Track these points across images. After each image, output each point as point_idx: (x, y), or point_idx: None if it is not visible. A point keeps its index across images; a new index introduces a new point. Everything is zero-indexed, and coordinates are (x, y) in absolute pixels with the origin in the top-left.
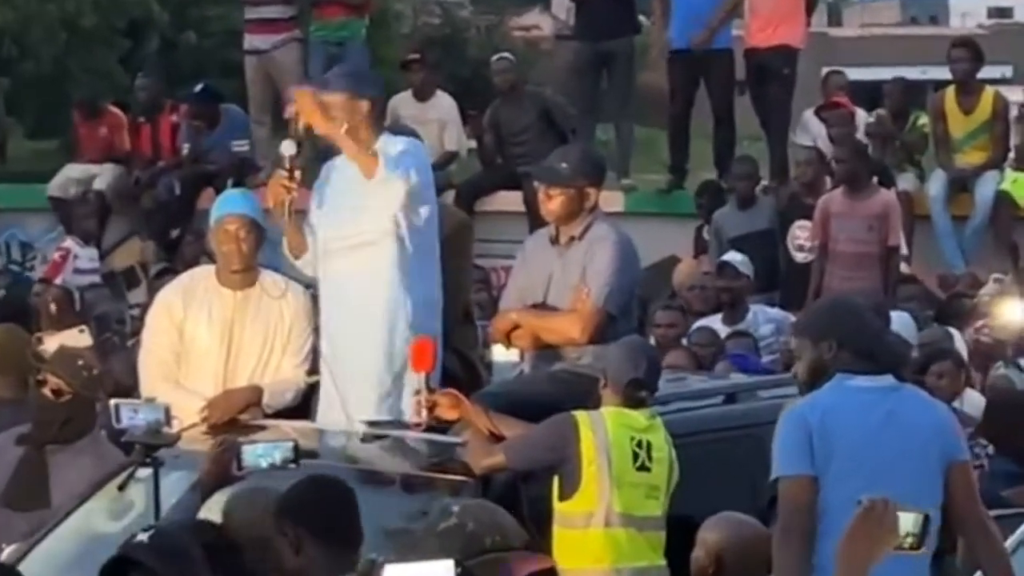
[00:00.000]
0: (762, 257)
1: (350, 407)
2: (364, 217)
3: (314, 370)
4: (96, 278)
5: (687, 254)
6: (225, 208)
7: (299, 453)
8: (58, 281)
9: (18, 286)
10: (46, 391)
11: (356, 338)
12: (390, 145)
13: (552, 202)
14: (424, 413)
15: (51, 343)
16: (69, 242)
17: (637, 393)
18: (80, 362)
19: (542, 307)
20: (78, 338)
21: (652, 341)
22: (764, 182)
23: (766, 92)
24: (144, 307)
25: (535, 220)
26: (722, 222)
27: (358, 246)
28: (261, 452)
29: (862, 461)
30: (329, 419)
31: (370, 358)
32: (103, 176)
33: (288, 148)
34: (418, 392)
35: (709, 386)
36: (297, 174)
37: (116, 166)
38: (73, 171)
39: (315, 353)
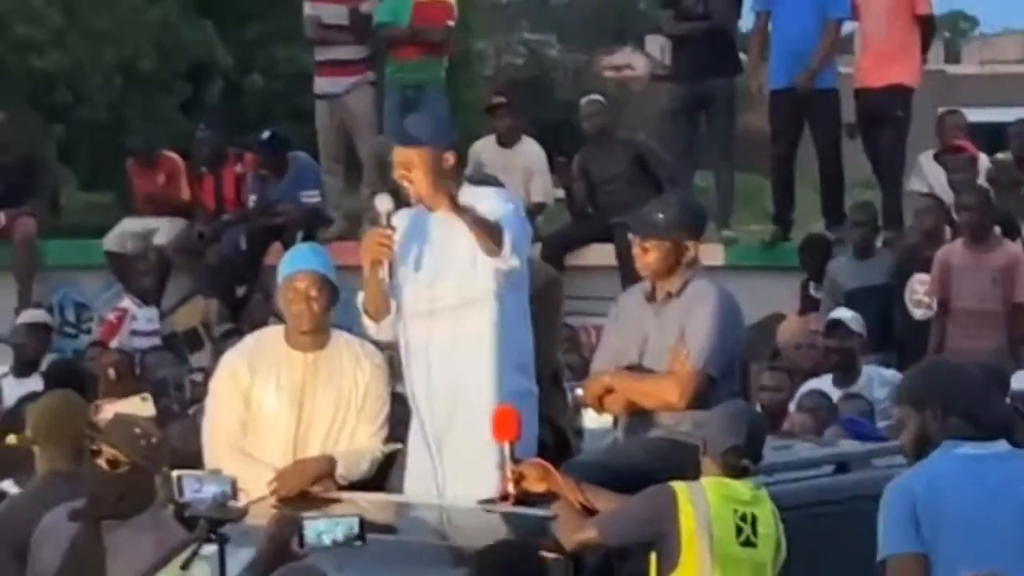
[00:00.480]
0: (878, 313)
1: (446, 480)
2: (463, 277)
3: (392, 438)
4: (156, 340)
5: (792, 311)
6: (294, 264)
7: (365, 529)
8: (114, 344)
9: (71, 353)
10: (100, 462)
11: (453, 406)
12: (480, 199)
13: (648, 255)
14: (510, 486)
15: (110, 412)
16: (127, 302)
17: (738, 462)
18: (137, 430)
19: (637, 369)
20: (140, 406)
21: (756, 405)
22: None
23: (878, 135)
24: (208, 371)
25: (628, 275)
26: (837, 273)
27: (456, 307)
28: (324, 528)
29: (973, 533)
30: (419, 491)
31: (472, 428)
32: (163, 230)
33: (385, 203)
34: (503, 463)
35: (819, 454)
36: (395, 231)
37: (177, 219)
38: (131, 225)
39: (391, 420)
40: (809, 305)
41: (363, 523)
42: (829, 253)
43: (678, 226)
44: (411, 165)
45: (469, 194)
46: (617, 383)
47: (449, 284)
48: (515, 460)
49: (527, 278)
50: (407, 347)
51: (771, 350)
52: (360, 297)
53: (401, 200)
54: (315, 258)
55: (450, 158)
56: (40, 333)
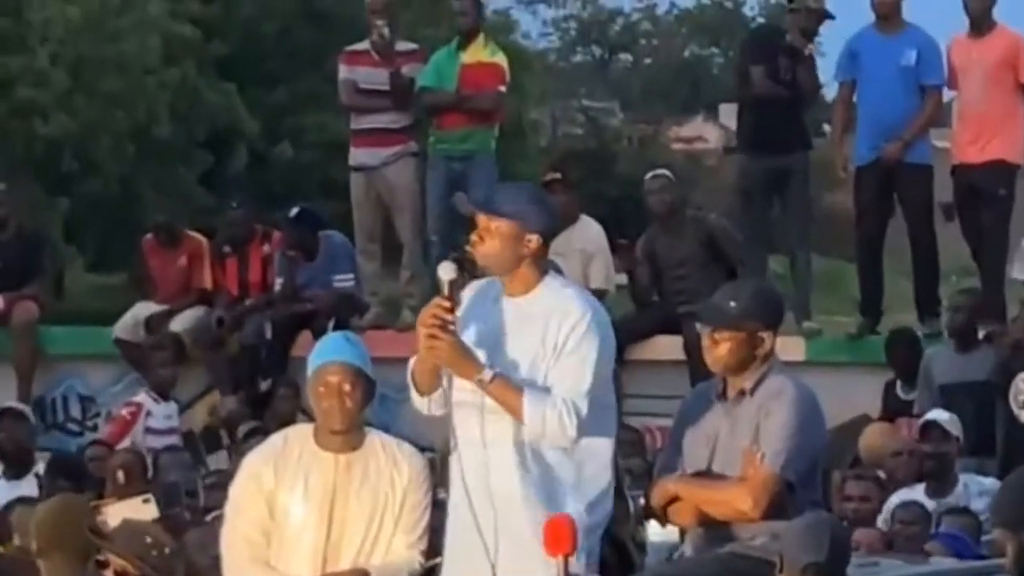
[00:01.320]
0: (977, 413)
1: None
2: (529, 374)
3: (432, 549)
4: (175, 439)
5: (875, 414)
6: (325, 355)
7: None
8: (125, 444)
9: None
10: (108, 574)
11: (508, 512)
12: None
13: (718, 348)
14: None
15: (111, 515)
16: (142, 396)
17: None
18: (148, 539)
19: (706, 475)
20: (141, 509)
21: (840, 517)
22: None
23: (978, 216)
24: (227, 475)
25: (698, 370)
26: (932, 365)
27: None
28: None
29: None
30: None
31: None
32: (180, 316)
33: (449, 271)
34: None
35: (908, 572)
36: (458, 304)
37: (198, 306)
38: (145, 311)
39: (431, 530)
40: (896, 408)
41: None
42: (919, 349)
43: (753, 315)
44: (487, 235)
45: (554, 287)
46: (684, 491)
47: (517, 370)
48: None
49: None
50: (460, 440)
51: (854, 457)
52: (411, 363)
53: (467, 272)
54: (349, 349)
55: (533, 240)
56: (16, 425)
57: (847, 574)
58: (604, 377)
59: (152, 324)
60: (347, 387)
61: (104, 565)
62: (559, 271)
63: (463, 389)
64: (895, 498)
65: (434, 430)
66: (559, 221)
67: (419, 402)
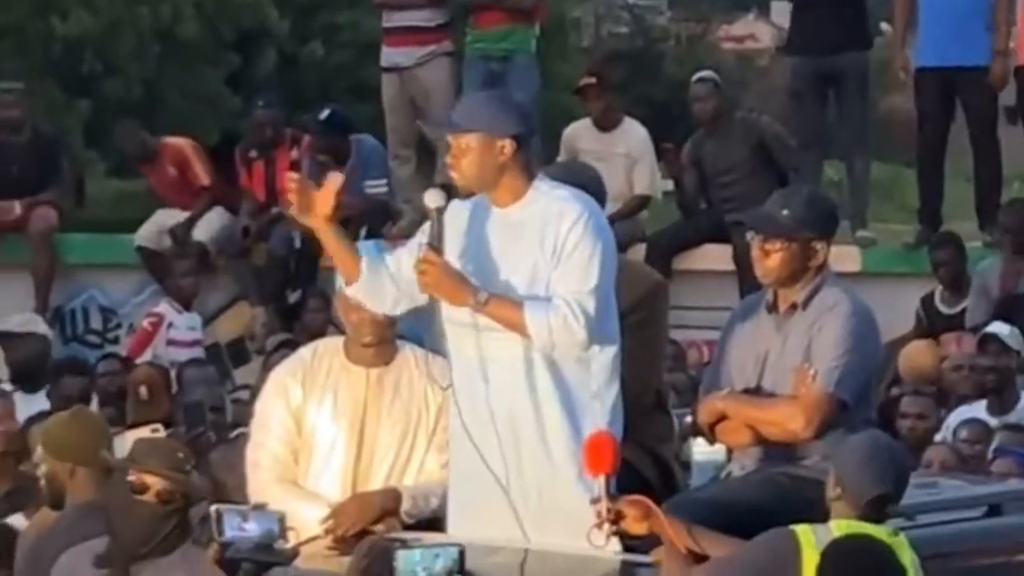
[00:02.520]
0: None
1: (523, 520)
2: (525, 290)
3: None
4: (199, 351)
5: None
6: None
7: (464, 561)
8: (146, 357)
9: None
10: (148, 497)
11: (520, 434)
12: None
13: (770, 259)
14: (606, 527)
15: (118, 445)
16: (164, 306)
17: (884, 510)
18: (180, 454)
19: (756, 393)
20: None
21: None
22: None
23: None
24: (254, 390)
25: (747, 282)
26: (987, 278)
27: None
28: (420, 559)
29: None
30: (482, 531)
31: (547, 459)
32: (202, 223)
33: (436, 198)
34: (597, 500)
35: (968, 494)
36: (443, 243)
37: (221, 211)
38: (167, 218)
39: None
40: (937, 323)
41: (463, 554)
42: (965, 256)
43: (806, 224)
44: (459, 153)
45: (543, 191)
46: (733, 409)
47: (514, 291)
48: (612, 496)
49: (612, 304)
50: (457, 365)
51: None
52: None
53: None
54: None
55: (507, 146)
56: (33, 344)
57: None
58: (608, 280)
59: (176, 233)
60: None
61: (140, 491)
62: (597, 178)
63: (458, 310)
64: (955, 415)
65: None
66: (533, 120)
67: (349, 291)
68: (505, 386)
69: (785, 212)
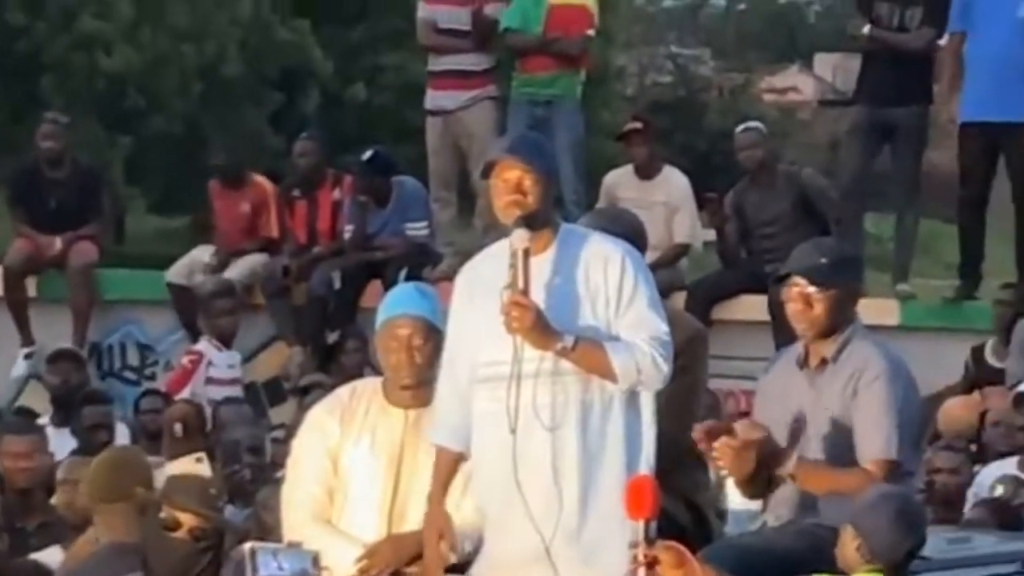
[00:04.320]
0: None
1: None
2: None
3: None
4: (237, 390)
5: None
6: (396, 307)
7: None
8: (185, 395)
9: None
10: (181, 534)
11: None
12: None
13: (814, 309)
14: (642, 571)
15: (159, 475)
16: (203, 344)
17: (908, 568)
18: (212, 490)
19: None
20: (194, 468)
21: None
22: None
23: None
24: (290, 429)
25: (782, 332)
26: None
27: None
28: None
29: None
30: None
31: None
32: (237, 263)
33: (522, 240)
34: (635, 545)
35: (1003, 549)
36: (530, 285)
37: (258, 253)
38: (203, 254)
39: None
40: (987, 375)
41: None
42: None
43: (846, 272)
44: (526, 187)
45: (567, 234)
46: (804, 477)
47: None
48: (650, 541)
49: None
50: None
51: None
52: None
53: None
54: (421, 300)
55: (553, 188)
56: (72, 369)
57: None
58: (664, 313)
59: (214, 269)
60: (417, 341)
61: (173, 528)
62: (637, 225)
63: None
64: (987, 471)
65: None
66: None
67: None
68: (558, 430)
69: (824, 261)
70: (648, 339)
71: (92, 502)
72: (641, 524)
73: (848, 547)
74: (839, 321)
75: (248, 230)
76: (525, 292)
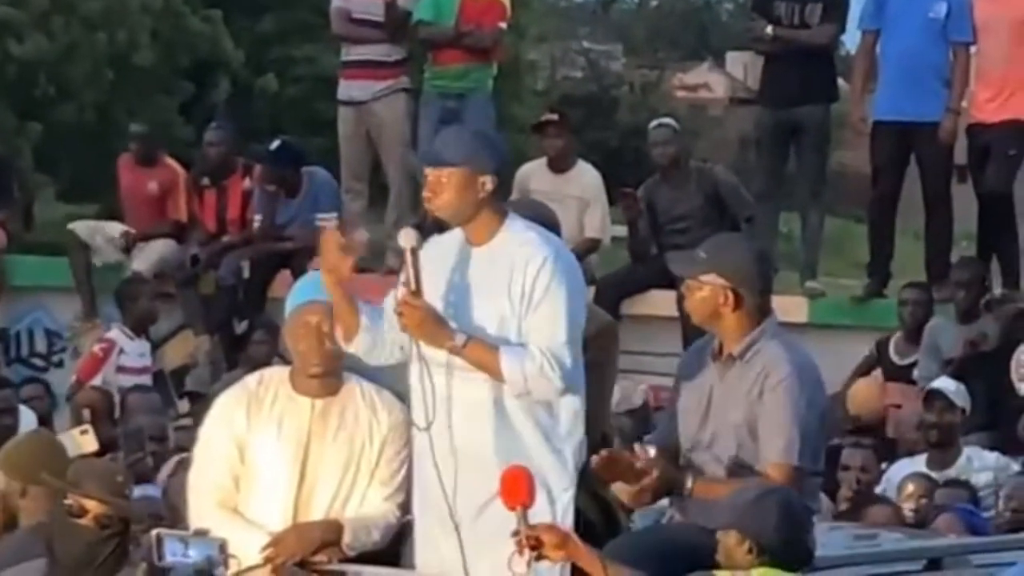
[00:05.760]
0: (987, 386)
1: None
2: (497, 331)
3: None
4: (147, 379)
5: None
6: (304, 295)
7: None
8: (96, 382)
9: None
10: (86, 521)
11: (478, 475)
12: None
13: (691, 299)
14: (527, 553)
15: None
16: (115, 332)
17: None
18: (119, 479)
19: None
20: (80, 440)
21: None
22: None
23: (984, 178)
24: (198, 416)
25: (689, 328)
26: (939, 338)
27: None
28: None
29: None
30: (437, 566)
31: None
32: (148, 251)
33: (410, 238)
34: (516, 532)
35: (907, 547)
36: (420, 270)
37: (166, 240)
38: (114, 229)
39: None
40: (889, 372)
41: None
42: (930, 310)
43: (719, 265)
44: (439, 188)
45: (514, 231)
46: (703, 492)
47: (482, 327)
48: (530, 526)
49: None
50: (425, 402)
51: (850, 419)
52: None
53: (427, 233)
54: None
55: (488, 182)
56: None
57: (809, 546)
58: (578, 325)
59: (122, 247)
60: (326, 327)
61: (79, 515)
62: (552, 217)
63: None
64: (895, 468)
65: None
66: (509, 156)
67: (349, 348)
68: (472, 427)
69: (703, 254)
70: (543, 348)
71: (17, 488)
72: (519, 511)
73: (736, 550)
74: (715, 312)
75: (156, 212)
76: (417, 290)
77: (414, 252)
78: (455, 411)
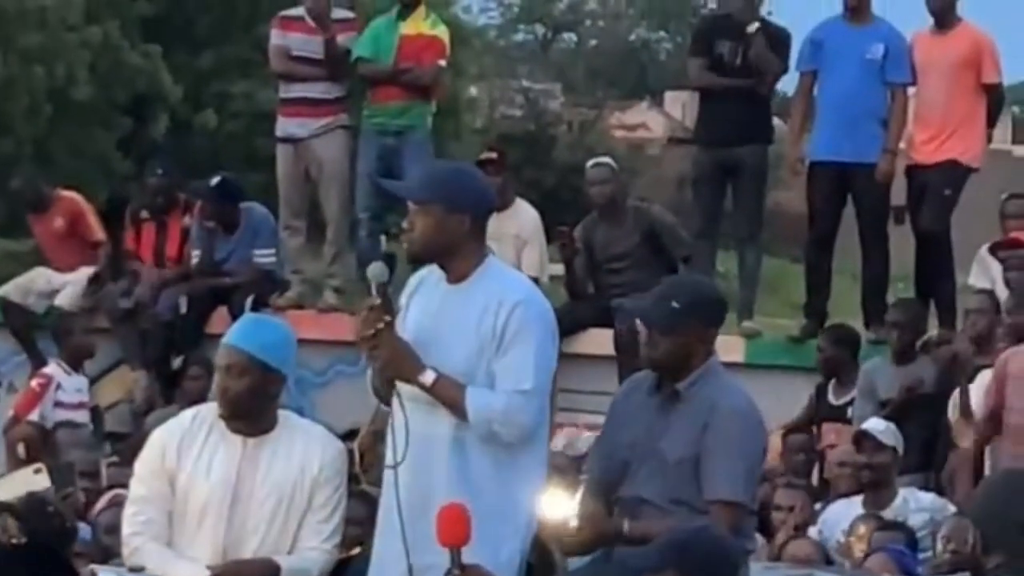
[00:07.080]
0: (921, 426)
1: None
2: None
3: (350, 541)
4: (83, 415)
5: (779, 424)
6: (228, 336)
7: None
8: (33, 417)
9: None
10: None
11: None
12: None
13: (658, 350)
14: None
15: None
16: (52, 367)
17: None
18: (50, 508)
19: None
20: (32, 480)
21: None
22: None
23: (920, 218)
24: (132, 453)
25: (626, 366)
26: (875, 379)
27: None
28: None
29: None
30: None
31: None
32: (70, 288)
33: (378, 272)
34: (449, 572)
35: None
36: (391, 304)
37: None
38: (39, 277)
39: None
40: (826, 413)
41: None
42: (858, 350)
43: (696, 317)
44: (418, 219)
45: (492, 273)
46: (641, 534)
47: (464, 362)
48: (462, 567)
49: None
50: (395, 440)
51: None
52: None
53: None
54: (254, 334)
55: (466, 221)
56: None
57: None
58: (547, 372)
59: (48, 295)
60: (233, 373)
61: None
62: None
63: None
64: (830, 509)
65: (354, 415)
66: (494, 198)
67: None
68: (431, 463)
69: (675, 304)
70: (510, 391)
71: None
72: (453, 551)
73: None
74: (685, 360)
75: (74, 243)
76: (390, 323)
77: (383, 287)
78: (417, 446)
